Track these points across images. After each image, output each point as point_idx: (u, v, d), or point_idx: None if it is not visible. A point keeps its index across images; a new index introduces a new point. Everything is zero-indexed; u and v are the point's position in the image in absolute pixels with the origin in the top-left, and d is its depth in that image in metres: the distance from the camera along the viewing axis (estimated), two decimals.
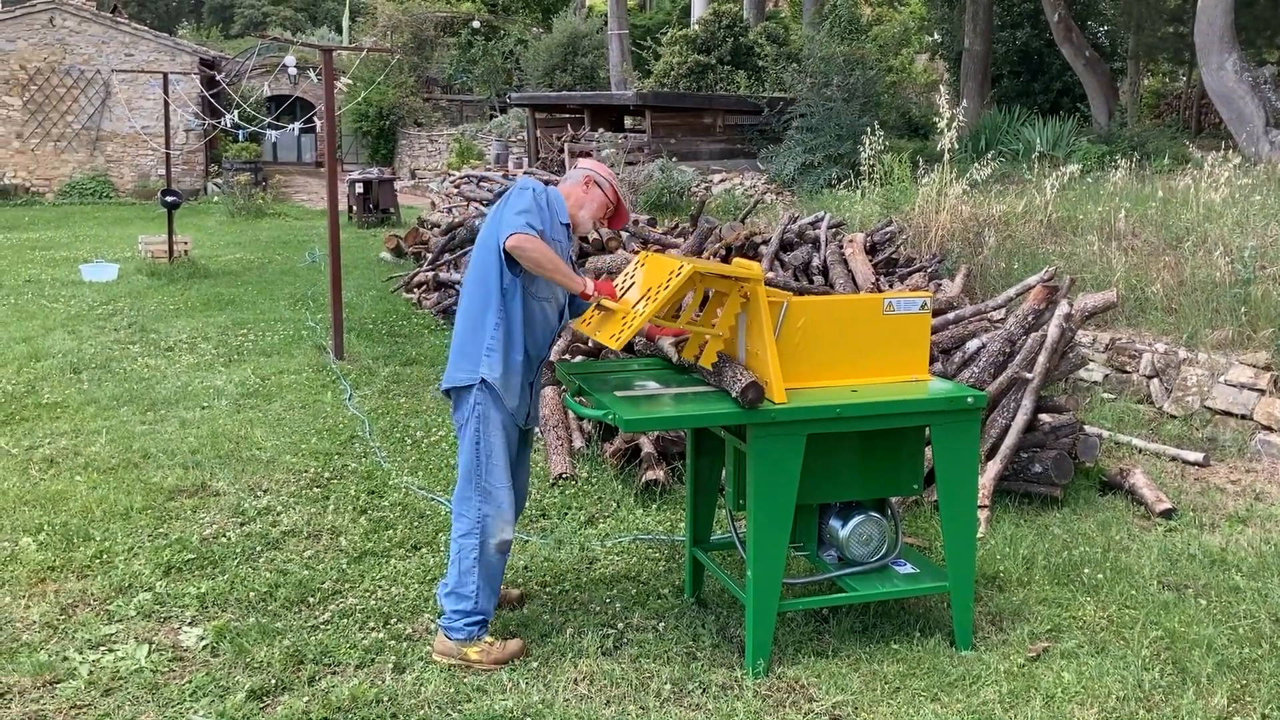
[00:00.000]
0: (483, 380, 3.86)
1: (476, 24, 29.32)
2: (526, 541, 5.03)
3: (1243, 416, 6.68)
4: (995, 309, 7.04)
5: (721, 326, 3.91)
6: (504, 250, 3.77)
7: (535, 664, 3.90)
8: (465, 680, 3.78)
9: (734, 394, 3.68)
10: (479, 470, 3.91)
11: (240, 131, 17.95)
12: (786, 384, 3.75)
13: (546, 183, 4.13)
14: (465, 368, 3.91)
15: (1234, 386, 6.78)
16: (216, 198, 23.57)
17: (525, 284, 3.89)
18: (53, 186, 24.27)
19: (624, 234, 8.64)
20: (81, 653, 3.94)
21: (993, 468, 5.48)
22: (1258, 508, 5.65)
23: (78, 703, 3.63)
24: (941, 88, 12.13)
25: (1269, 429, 6.48)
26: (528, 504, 5.45)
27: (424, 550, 4.93)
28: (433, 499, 5.55)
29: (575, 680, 3.79)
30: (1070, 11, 19.28)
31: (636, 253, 8.70)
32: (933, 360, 6.31)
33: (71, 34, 24.15)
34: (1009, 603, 4.44)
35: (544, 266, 3.78)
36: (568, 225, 4.04)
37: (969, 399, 3.93)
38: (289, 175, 27.80)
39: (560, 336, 6.85)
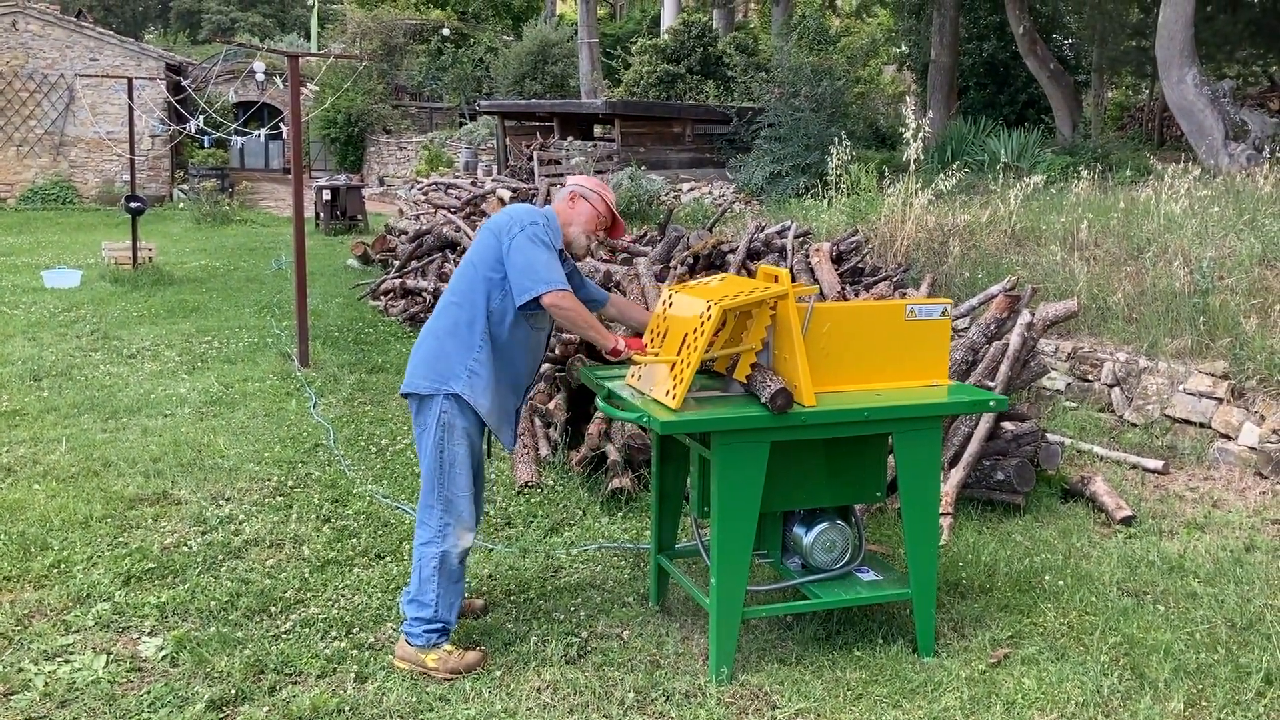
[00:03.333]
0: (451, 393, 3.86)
1: (446, 31, 29.27)
2: (491, 550, 5.02)
3: (1201, 425, 6.77)
4: (959, 318, 7.10)
5: (751, 340, 3.91)
6: (540, 303, 3.80)
7: (498, 672, 3.89)
8: (427, 689, 3.77)
9: (763, 399, 3.68)
10: (441, 479, 3.90)
11: (206, 137, 17.81)
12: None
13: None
14: (432, 378, 3.90)
15: (1193, 395, 6.87)
16: (182, 204, 23.35)
17: (525, 313, 3.90)
18: (14, 192, 23.95)
19: (592, 241, 8.62)
20: (37, 664, 3.89)
21: (955, 475, 5.52)
22: (1215, 515, 5.72)
23: (32, 715, 3.58)
24: (908, 99, 12.25)
25: (1226, 437, 6.57)
26: (492, 511, 5.45)
27: (387, 559, 4.90)
28: (397, 507, 5.52)
29: (539, 689, 3.79)
30: (1035, 25, 19.51)
31: (606, 260, 8.72)
32: None
33: (35, 38, 23.88)
34: (971, 609, 4.47)
35: (579, 325, 3.87)
36: (561, 250, 4.03)
37: (990, 402, 4.07)
38: (256, 181, 27.58)
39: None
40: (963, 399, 4.09)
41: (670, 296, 4.09)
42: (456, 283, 3.99)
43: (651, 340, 4.06)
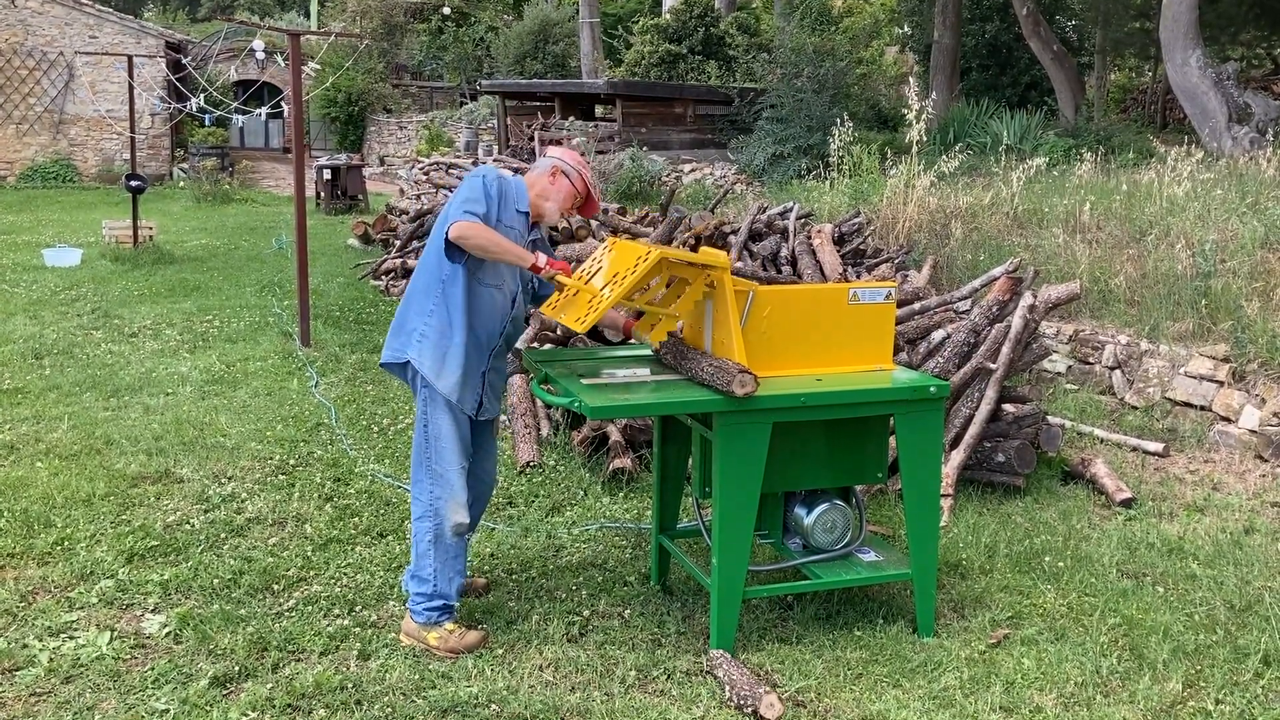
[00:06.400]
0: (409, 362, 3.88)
1: (447, 10, 29.13)
2: (493, 529, 5.03)
3: (1202, 407, 6.78)
4: (960, 300, 7.10)
5: (681, 309, 3.92)
6: (447, 240, 3.77)
7: (500, 650, 3.91)
8: (430, 667, 3.78)
9: (729, 388, 3.66)
10: (429, 454, 3.92)
11: (206, 116, 17.73)
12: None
13: (516, 170, 4.13)
14: (394, 345, 3.97)
15: (1193, 378, 6.88)
16: (182, 183, 23.31)
17: (472, 269, 3.87)
18: (14, 170, 23.89)
19: (593, 222, 8.62)
20: (42, 640, 3.90)
21: (956, 457, 5.53)
22: (1215, 497, 5.74)
23: (37, 690, 3.60)
24: (911, 80, 12.20)
25: (1227, 420, 6.58)
26: (494, 492, 5.45)
27: (389, 538, 4.92)
28: (398, 486, 5.54)
29: (540, 667, 3.80)
30: (1039, 6, 19.42)
31: (604, 240, 8.71)
32: (898, 350, 6.36)
33: (34, 15, 23.76)
34: (971, 590, 4.49)
35: (489, 250, 3.78)
36: (526, 213, 4.02)
37: (932, 388, 3.97)
38: (256, 161, 27.53)
39: (529, 324, 6.85)
40: (904, 384, 3.98)
41: (612, 245, 4.10)
42: (426, 247, 4.01)
43: (581, 278, 4.03)
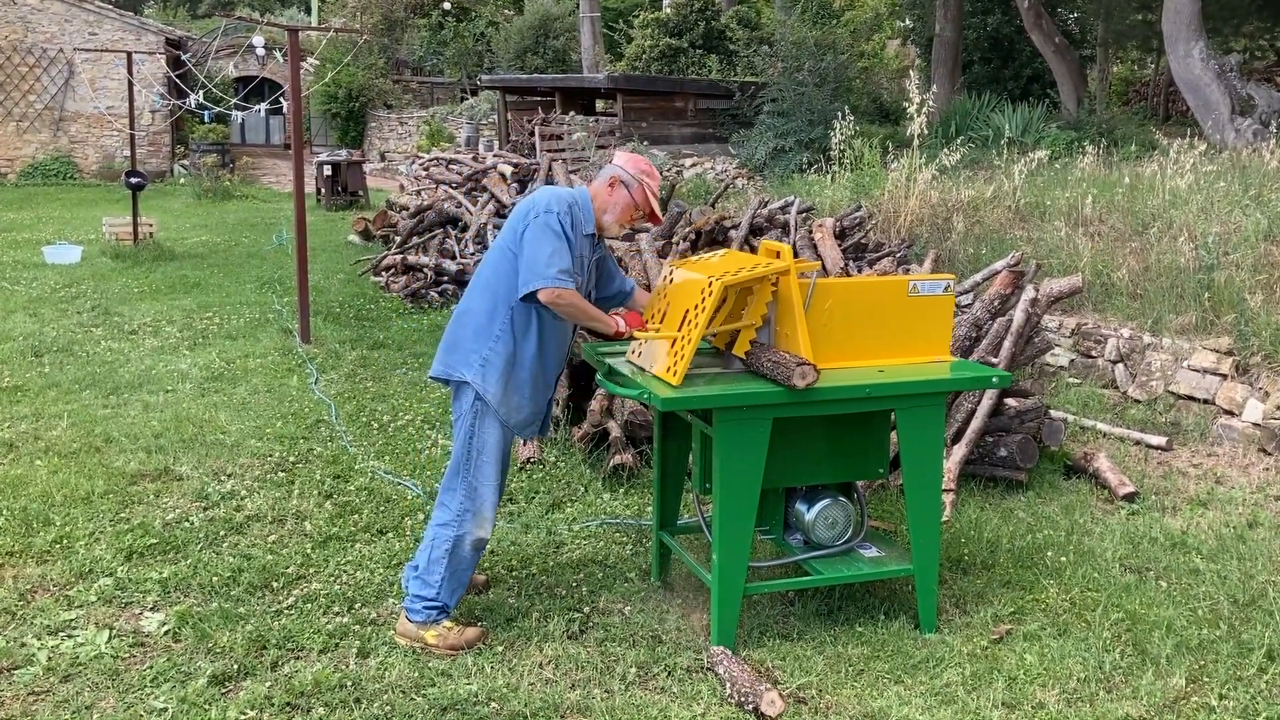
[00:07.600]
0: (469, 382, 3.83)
1: (447, 5, 29.09)
2: (493, 526, 5.01)
3: (1205, 401, 6.75)
4: (962, 294, 7.07)
5: (752, 316, 3.89)
6: (538, 299, 3.74)
7: (500, 648, 3.90)
8: (430, 665, 3.77)
9: (791, 380, 3.64)
10: (468, 466, 3.89)
11: (206, 112, 17.72)
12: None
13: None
14: (447, 361, 3.89)
15: (1197, 371, 6.85)
16: (183, 179, 23.30)
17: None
18: (15, 167, 23.87)
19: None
20: (40, 638, 3.89)
21: (958, 452, 5.51)
22: (1218, 491, 5.72)
23: (36, 689, 3.59)
24: (912, 73, 12.14)
25: (1230, 413, 6.56)
26: None
27: (389, 535, 4.90)
28: (399, 483, 5.52)
29: (540, 664, 3.79)
30: None
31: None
32: None
33: (34, 12, 23.73)
34: (973, 586, 4.47)
35: (578, 318, 3.83)
36: (592, 235, 3.94)
37: (993, 379, 4.06)
38: (257, 157, 27.51)
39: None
40: (965, 375, 4.08)
41: (671, 273, 4.06)
42: (485, 266, 3.93)
43: (652, 318, 4.04)
